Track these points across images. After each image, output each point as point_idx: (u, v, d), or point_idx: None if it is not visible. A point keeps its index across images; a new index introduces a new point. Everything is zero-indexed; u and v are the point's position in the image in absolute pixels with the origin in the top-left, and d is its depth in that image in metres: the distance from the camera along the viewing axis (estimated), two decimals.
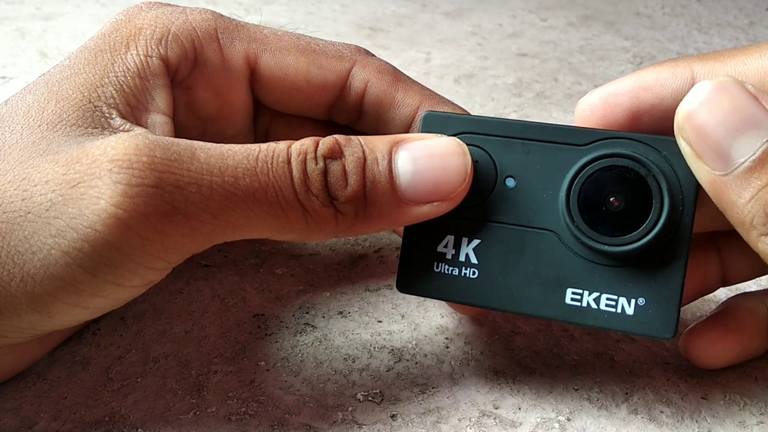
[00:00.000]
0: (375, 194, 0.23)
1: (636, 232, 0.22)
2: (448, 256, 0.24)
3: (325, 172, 0.22)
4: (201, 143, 0.22)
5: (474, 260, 0.24)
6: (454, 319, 0.30)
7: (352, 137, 0.23)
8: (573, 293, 0.23)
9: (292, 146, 0.22)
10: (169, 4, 0.28)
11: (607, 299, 0.22)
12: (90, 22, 0.63)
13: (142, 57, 0.25)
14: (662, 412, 0.26)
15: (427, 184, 0.23)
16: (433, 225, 0.24)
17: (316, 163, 0.22)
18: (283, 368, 0.27)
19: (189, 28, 0.27)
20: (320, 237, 0.24)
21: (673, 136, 0.22)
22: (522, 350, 0.28)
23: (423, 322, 0.30)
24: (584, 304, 0.23)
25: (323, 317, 0.30)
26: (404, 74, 0.30)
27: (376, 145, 0.23)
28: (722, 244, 0.27)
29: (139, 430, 0.24)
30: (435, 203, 0.23)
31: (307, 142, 0.23)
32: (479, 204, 0.24)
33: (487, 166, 0.24)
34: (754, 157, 0.19)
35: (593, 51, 0.61)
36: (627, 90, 0.24)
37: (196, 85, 0.28)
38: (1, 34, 0.59)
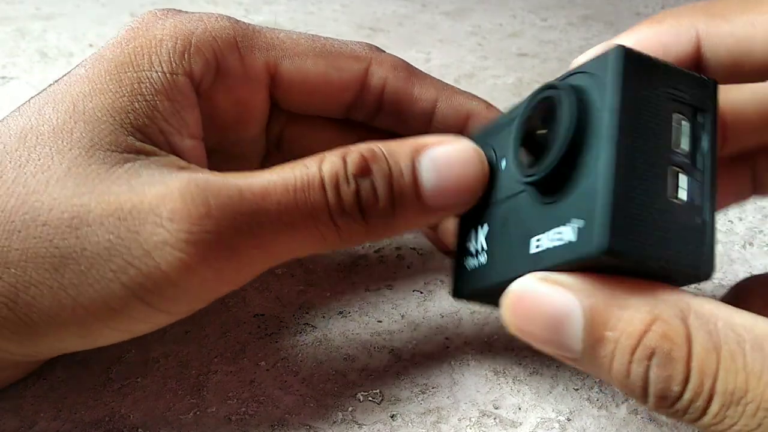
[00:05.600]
0: (402, 205, 0.24)
1: (551, 152, 0.20)
2: (472, 250, 0.25)
3: (357, 192, 0.23)
4: (242, 181, 0.23)
5: (485, 246, 0.24)
6: (454, 319, 0.30)
7: (375, 149, 0.24)
8: (535, 241, 0.21)
9: (323, 169, 0.23)
10: (184, 11, 0.27)
11: (555, 233, 0.20)
12: (90, 22, 0.63)
13: (168, 75, 0.25)
14: None
15: (449, 191, 0.24)
16: (464, 222, 0.25)
17: (349, 185, 0.23)
18: (283, 368, 0.27)
19: (209, 38, 0.26)
20: (350, 246, 0.25)
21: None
22: (522, 350, 0.28)
23: (423, 322, 0.30)
24: (543, 247, 0.21)
25: (323, 317, 0.30)
26: (417, 68, 0.30)
27: (399, 155, 0.24)
28: (755, 153, 0.26)
29: (139, 430, 0.24)
30: (453, 208, 0.25)
31: (336, 162, 0.23)
32: (489, 192, 0.24)
33: (490, 157, 0.25)
34: (585, 343, 0.19)
35: None
36: None
37: (216, 95, 0.27)
38: (1, 34, 0.59)
